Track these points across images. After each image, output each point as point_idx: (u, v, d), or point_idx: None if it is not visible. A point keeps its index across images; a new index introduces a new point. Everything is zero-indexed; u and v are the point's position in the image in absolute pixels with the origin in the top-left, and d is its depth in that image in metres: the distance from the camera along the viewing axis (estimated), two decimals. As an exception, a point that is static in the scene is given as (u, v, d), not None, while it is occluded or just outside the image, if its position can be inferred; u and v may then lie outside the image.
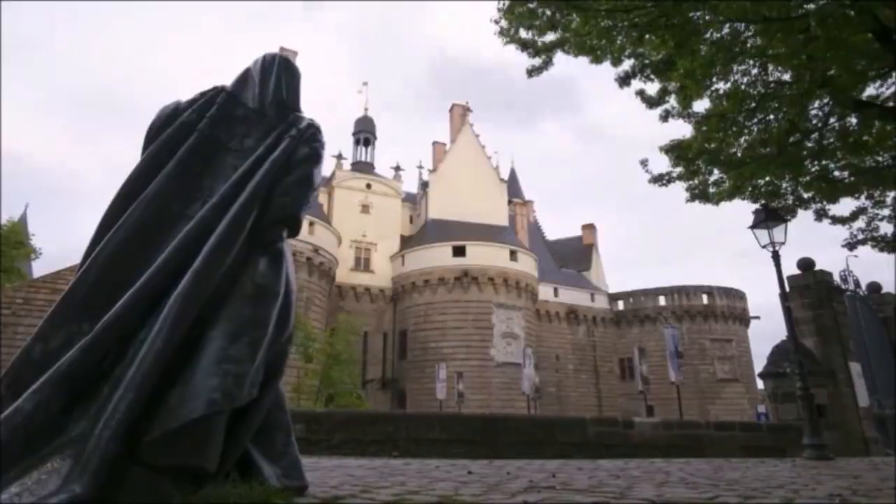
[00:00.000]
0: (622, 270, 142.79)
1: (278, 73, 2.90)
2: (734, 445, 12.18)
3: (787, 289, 14.61)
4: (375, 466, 4.83)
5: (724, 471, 4.90)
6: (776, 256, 7.99)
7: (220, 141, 2.67)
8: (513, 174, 58.43)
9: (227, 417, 2.10)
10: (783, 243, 8.08)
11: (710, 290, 49.67)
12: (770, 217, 8.07)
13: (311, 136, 2.73)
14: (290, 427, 2.42)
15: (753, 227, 8.30)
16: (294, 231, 2.53)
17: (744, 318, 50.12)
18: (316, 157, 2.68)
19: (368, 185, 45.44)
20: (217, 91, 2.86)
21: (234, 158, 2.62)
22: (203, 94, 2.85)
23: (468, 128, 48.00)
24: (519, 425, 11.71)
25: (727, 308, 49.25)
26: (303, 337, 20.46)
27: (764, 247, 8.12)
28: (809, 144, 9.47)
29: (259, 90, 2.86)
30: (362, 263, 43.29)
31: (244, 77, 2.96)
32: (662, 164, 9.97)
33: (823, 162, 9.85)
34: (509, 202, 49.51)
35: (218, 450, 1.90)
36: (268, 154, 2.57)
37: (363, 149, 49.80)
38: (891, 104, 9.16)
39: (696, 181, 9.46)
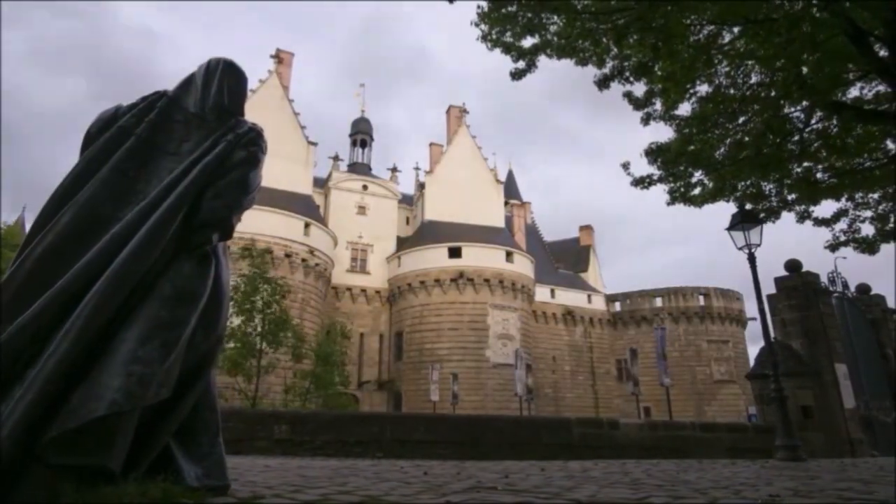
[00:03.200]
0: (619, 270, 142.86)
1: (220, 78, 2.90)
2: (720, 447, 12.21)
3: (776, 290, 14.69)
4: (339, 467, 4.85)
5: (687, 472, 4.92)
6: (752, 258, 8.02)
7: (159, 145, 2.69)
8: (510, 175, 58.55)
9: (149, 417, 2.13)
10: (759, 245, 8.12)
11: (706, 292, 49.69)
12: (746, 219, 8.10)
13: (250, 141, 2.74)
14: (219, 428, 2.45)
15: (730, 228, 8.34)
16: (226, 234, 2.54)
17: (741, 320, 50.14)
18: (253, 160, 2.70)
19: (365, 187, 45.52)
20: (159, 95, 2.88)
21: (172, 162, 2.64)
22: (144, 99, 2.88)
23: (465, 129, 48.07)
24: (504, 427, 11.73)
25: (724, 309, 49.27)
26: (293, 338, 20.48)
27: (740, 248, 8.16)
28: (791, 147, 9.51)
29: (200, 95, 2.87)
30: (358, 265, 43.35)
31: (188, 81, 2.97)
32: (646, 167, 10.02)
33: (806, 164, 9.89)
34: (506, 203, 49.56)
35: (123, 449, 1.92)
36: (202, 157, 2.59)
37: (360, 150, 49.95)
38: (871, 107, 9.21)
39: (678, 184, 9.50)
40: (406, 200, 48.47)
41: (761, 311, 8.01)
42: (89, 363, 1.93)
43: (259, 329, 19.42)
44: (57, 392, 1.84)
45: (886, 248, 10.52)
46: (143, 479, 1.91)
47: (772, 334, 14.80)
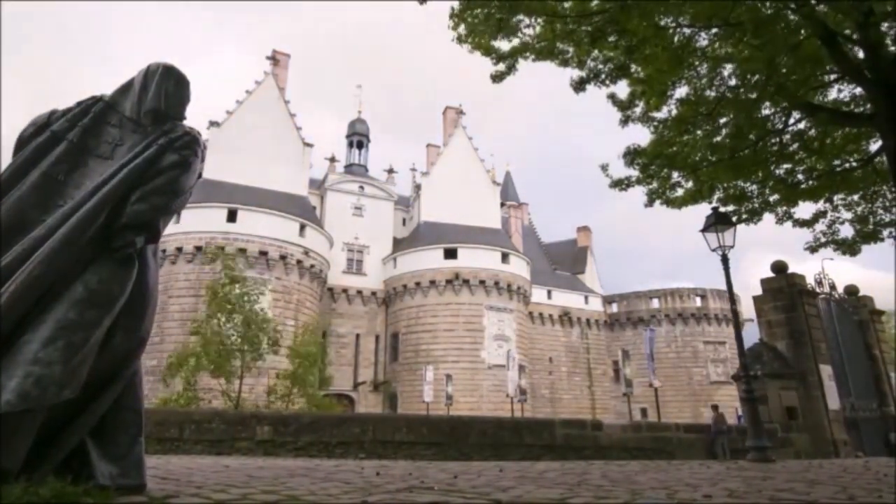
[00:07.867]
0: (618, 270, 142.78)
1: (158, 82, 2.91)
2: (702, 447, 12.25)
3: (761, 291, 14.71)
4: (298, 467, 4.88)
5: (646, 473, 4.95)
6: (725, 260, 8.05)
7: (91, 149, 2.72)
8: (508, 177, 58.53)
9: (62, 416, 2.17)
10: (732, 246, 8.14)
11: (703, 293, 49.71)
12: (719, 221, 8.12)
13: (184, 144, 2.76)
14: (141, 428, 2.48)
15: (704, 230, 8.36)
16: (152, 237, 2.57)
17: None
18: (183, 164, 2.71)
19: (361, 188, 45.57)
20: (95, 100, 2.90)
21: (104, 167, 2.66)
22: (79, 104, 2.90)
23: (461, 130, 48.10)
24: (486, 428, 11.75)
25: (721, 310, 49.23)
26: (269, 339, 20.48)
27: (714, 250, 8.18)
28: (771, 148, 9.53)
29: (137, 99, 2.89)
30: (354, 266, 43.37)
31: (126, 86, 2.99)
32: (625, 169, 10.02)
33: (785, 165, 9.92)
34: (503, 205, 49.58)
35: (21, 449, 1.95)
36: (132, 161, 2.62)
37: (356, 151, 49.99)
38: (849, 108, 9.23)
39: (655, 185, 9.52)
40: (402, 202, 48.49)
41: (734, 311, 8.06)
42: (-7, 364, 1.97)
43: (239, 330, 19.43)
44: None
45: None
46: (40, 479, 1.93)
47: (754, 336, 14.84)
